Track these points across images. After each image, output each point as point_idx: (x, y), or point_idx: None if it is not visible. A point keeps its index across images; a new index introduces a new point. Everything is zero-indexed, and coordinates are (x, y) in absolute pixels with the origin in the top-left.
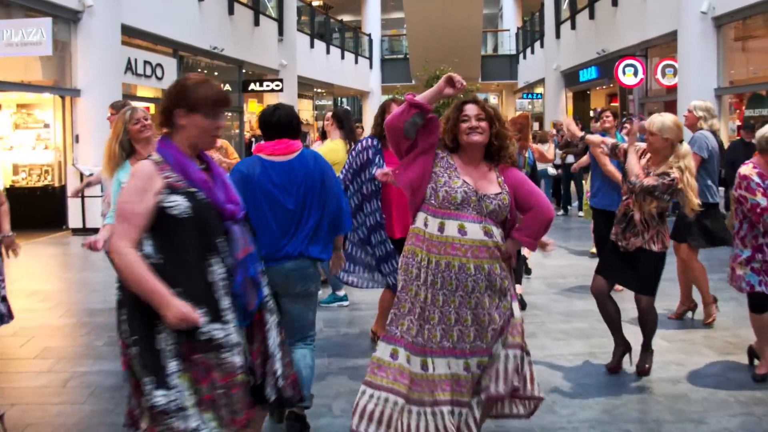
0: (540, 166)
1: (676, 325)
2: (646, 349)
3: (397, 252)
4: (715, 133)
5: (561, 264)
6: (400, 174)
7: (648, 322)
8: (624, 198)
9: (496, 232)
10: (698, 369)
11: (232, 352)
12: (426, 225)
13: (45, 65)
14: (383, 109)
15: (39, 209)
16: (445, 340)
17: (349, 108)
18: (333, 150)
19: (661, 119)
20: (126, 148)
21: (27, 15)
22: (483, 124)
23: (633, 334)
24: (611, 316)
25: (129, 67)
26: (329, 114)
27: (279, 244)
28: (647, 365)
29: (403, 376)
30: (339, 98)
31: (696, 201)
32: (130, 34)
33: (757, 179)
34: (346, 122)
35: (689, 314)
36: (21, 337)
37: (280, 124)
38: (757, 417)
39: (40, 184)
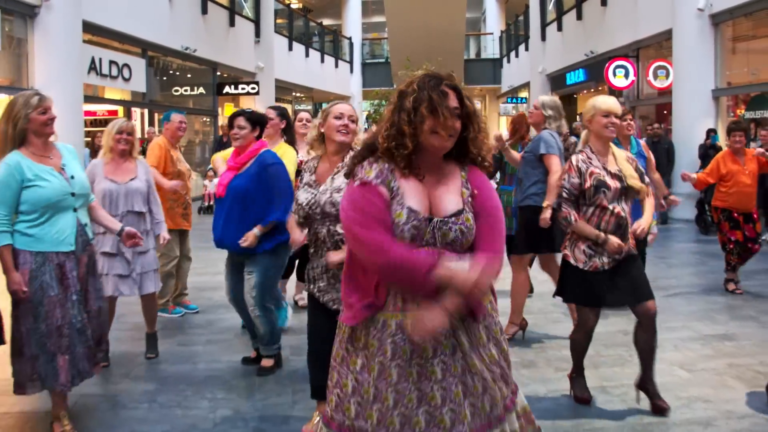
0: None
1: (694, 351)
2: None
3: None
4: (561, 134)
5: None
6: None
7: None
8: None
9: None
10: (730, 408)
11: None
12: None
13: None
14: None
15: None
16: (434, 427)
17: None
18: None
19: None
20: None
21: None
22: (457, 124)
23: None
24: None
25: (93, 67)
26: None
27: None
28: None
29: None
30: (319, 102)
31: None
32: (94, 32)
33: None
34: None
35: (519, 334)
36: None
37: None
38: None
39: None
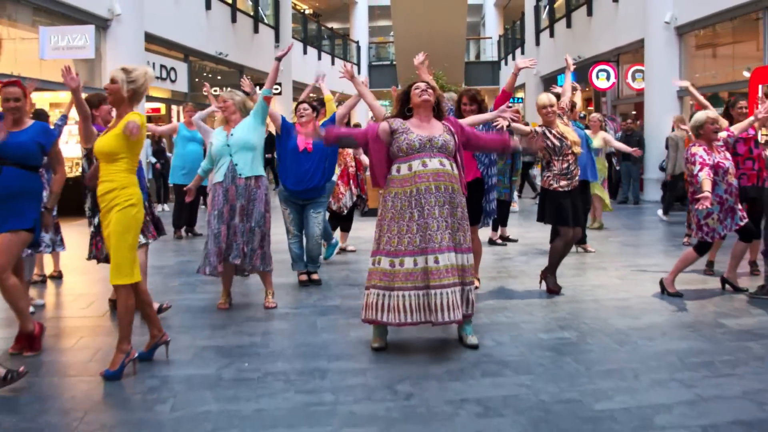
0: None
1: (628, 270)
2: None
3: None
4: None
5: (537, 236)
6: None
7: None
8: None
9: (447, 162)
10: (641, 294)
11: None
12: (399, 171)
13: (78, 68)
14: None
15: (70, 198)
16: (423, 242)
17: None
18: None
19: None
20: None
21: (62, 23)
22: (430, 91)
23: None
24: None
25: None
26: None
27: None
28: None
29: (388, 276)
30: None
31: None
32: (149, 41)
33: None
34: None
35: None
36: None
37: None
38: (678, 316)
39: (71, 175)
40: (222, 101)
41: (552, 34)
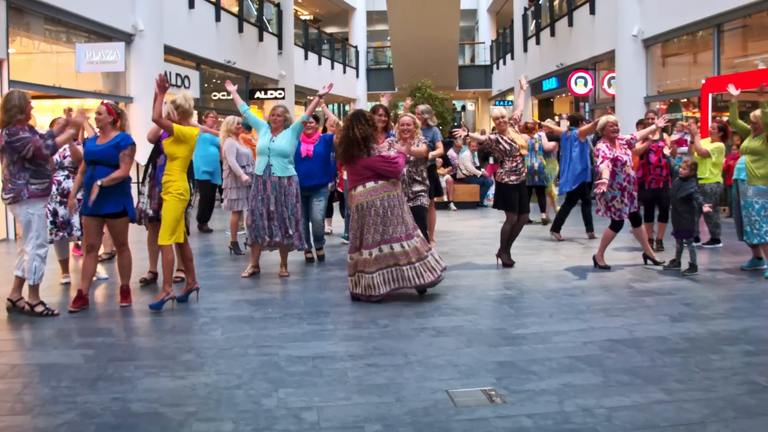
0: None
1: (575, 249)
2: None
3: None
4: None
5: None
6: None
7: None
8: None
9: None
10: (578, 267)
11: None
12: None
13: (105, 77)
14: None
15: None
16: (386, 234)
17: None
18: None
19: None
20: None
21: (90, 38)
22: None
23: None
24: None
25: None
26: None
27: None
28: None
29: (367, 263)
30: (329, 104)
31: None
32: (167, 52)
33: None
34: None
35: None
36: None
37: None
38: (599, 281)
39: None
40: (276, 114)
41: (538, 42)
